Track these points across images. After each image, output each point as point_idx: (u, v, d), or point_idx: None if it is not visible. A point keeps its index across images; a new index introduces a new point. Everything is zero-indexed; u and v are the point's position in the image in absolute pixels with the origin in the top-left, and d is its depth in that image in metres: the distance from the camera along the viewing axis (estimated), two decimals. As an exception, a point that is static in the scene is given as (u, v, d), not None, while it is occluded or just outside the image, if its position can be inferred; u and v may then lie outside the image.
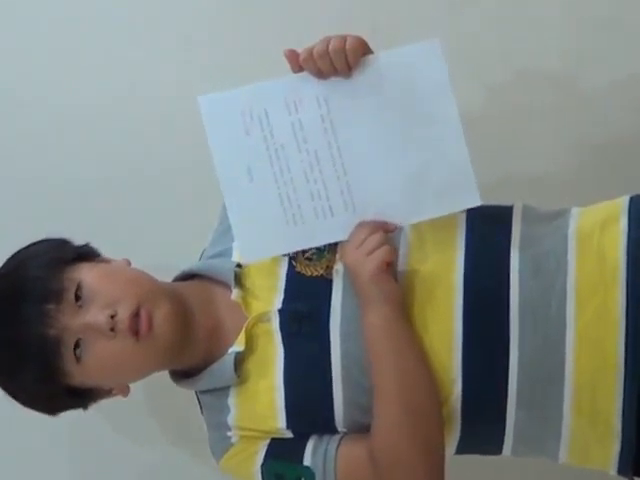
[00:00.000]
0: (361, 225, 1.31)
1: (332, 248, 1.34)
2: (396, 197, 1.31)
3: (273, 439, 1.32)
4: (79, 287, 1.28)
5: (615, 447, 1.30)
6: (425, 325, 1.29)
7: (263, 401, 1.32)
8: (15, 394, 1.33)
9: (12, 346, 1.28)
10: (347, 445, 1.30)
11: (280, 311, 1.32)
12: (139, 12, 1.81)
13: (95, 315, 1.27)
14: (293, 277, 1.34)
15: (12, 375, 1.30)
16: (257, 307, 1.34)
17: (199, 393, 1.40)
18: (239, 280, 1.37)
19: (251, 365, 1.33)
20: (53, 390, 1.30)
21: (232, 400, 1.34)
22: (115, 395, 1.38)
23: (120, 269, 1.37)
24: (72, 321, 1.27)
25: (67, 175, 1.83)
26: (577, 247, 1.31)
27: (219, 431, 1.35)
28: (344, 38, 1.24)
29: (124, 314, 1.27)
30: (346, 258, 1.31)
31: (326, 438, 1.30)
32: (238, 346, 1.32)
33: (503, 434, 1.32)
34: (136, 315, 1.27)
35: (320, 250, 1.35)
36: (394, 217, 1.32)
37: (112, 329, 1.26)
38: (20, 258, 1.35)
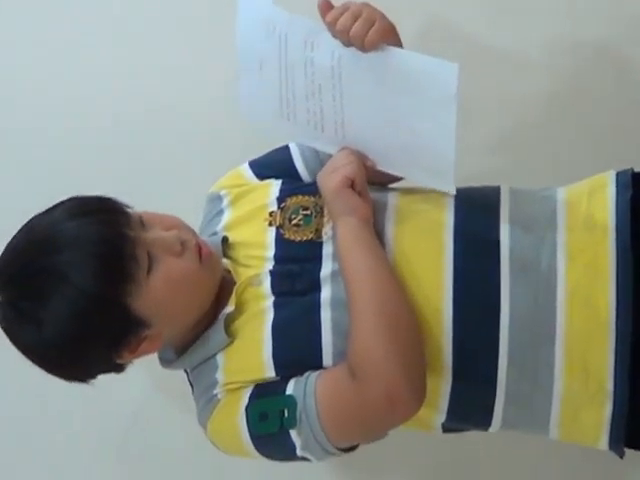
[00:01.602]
0: (343, 148, 1.37)
1: (319, 212, 1.38)
2: (382, 149, 1.36)
3: (257, 384, 1.31)
4: (141, 217, 1.30)
5: (607, 409, 1.30)
6: (416, 275, 1.30)
7: (250, 353, 1.32)
8: (50, 311, 1.23)
9: (77, 243, 1.22)
10: (327, 369, 1.29)
11: (271, 272, 1.34)
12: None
13: (164, 232, 1.30)
14: (282, 244, 1.37)
15: (65, 276, 1.22)
16: (247, 273, 1.36)
17: (190, 373, 1.39)
18: (226, 253, 1.40)
19: (240, 324, 1.33)
20: (104, 298, 1.23)
21: (220, 357, 1.34)
22: (143, 351, 1.32)
23: None
24: (143, 234, 1.27)
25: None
26: (566, 211, 1.34)
27: (208, 394, 1.34)
28: (372, 22, 1.25)
29: (189, 237, 1.31)
30: (318, 175, 1.37)
31: (309, 371, 1.30)
32: (229, 308, 1.33)
33: (494, 395, 1.31)
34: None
35: (307, 215, 1.38)
36: (375, 158, 1.37)
37: (181, 244, 1.29)
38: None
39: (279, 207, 1.40)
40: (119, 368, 1.34)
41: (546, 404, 1.31)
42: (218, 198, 1.48)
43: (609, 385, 1.28)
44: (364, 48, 1.25)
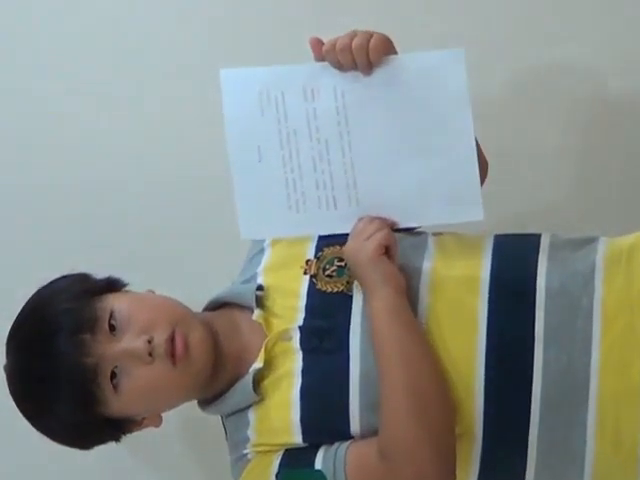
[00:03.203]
0: (361, 218, 1.33)
1: None
2: (400, 198, 1.33)
3: (287, 449, 1.30)
4: (112, 315, 1.29)
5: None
6: (447, 339, 1.28)
7: (279, 416, 1.31)
8: (49, 429, 1.32)
9: (48, 378, 1.27)
10: (357, 445, 1.27)
11: (301, 328, 1.32)
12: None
13: (132, 341, 1.27)
14: (314, 294, 1.34)
15: (48, 408, 1.29)
16: (278, 325, 1.34)
17: (225, 418, 1.39)
18: (261, 301, 1.37)
19: (269, 382, 1.32)
20: (89, 421, 1.29)
21: (251, 417, 1.34)
22: (147, 426, 1.37)
23: (149, 296, 1.39)
24: (109, 349, 1.27)
25: (94, 206, 1.85)
26: (604, 270, 1.30)
27: (238, 451, 1.34)
28: (369, 35, 1.25)
29: (161, 338, 1.27)
30: (346, 248, 1.33)
31: (337, 443, 1.28)
32: (257, 364, 1.32)
33: (525, 461, 1.28)
34: (172, 339, 1.28)
35: (341, 267, 1.35)
36: (395, 216, 1.33)
37: (150, 354, 1.26)
38: (45, 294, 1.35)
39: (316, 256, 1.38)
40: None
41: (578, 469, 1.27)
42: None
43: None
44: (369, 60, 1.25)
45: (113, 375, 1.27)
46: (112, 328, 1.28)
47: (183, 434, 1.84)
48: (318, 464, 1.26)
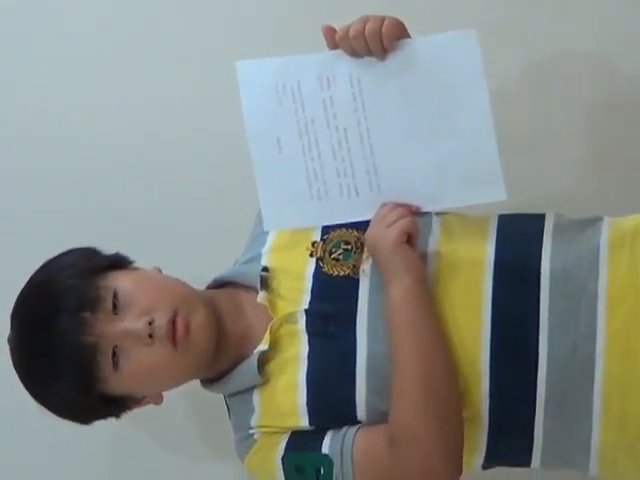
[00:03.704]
0: (384, 204, 1.33)
1: (359, 248, 1.35)
2: (421, 181, 1.32)
3: (293, 432, 1.31)
4: (115, 295, 1.29)
5: None
6: (457, 322, 1.28)
7: (285, 399, 1.31)
8: (50, 404, 1.33)
9: (48, 356, 1.28)
10: (364, 431, 1.28)
11: (307, 311, 1.32)
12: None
13: (133, 322, 1.27)
14: (320, 277, 1.34)
15: (48, 385, 1.30)
16: (283, 307, 1.34)
17: (227, 397, 1.40)
18: (266, 283, 1.37)
19: (275, 364, 1.33)
20: (89, 398, 1.30)
21: (256, 399, 1.34)
22: (147, 403, 1.38)
23: (154, 276, 1.38)
24: (109, 328, 1.27)
25: (98, 185, 1.85)
26: (608, 254, 1.30)
27: (244, 431, 1.35)
28: (382, 20, 1.25)
29: (162, 320, 1.27)
30: (367, 234, 1.32)
31: (345, 427, 1.29)
32: (262, 346, 1.32)
33: (531, 443, 1.29)
34: (173, 322, 1.28)
35: (347, 250, 1.35)
36: (417, 200, 1.33)
37: (150, 336, 1.26)
38: (51, 268, 1.35)
39: (322, 238, 1.38)
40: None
41: (584, 452, 1.28)
42: None
43: None
44: (383, 45, 1.25)
45: (114, 354, 1.27)
46: (115, 307, 1.28)
47: (186, 410, 1.85)
48: (325, 448, 1.28)
